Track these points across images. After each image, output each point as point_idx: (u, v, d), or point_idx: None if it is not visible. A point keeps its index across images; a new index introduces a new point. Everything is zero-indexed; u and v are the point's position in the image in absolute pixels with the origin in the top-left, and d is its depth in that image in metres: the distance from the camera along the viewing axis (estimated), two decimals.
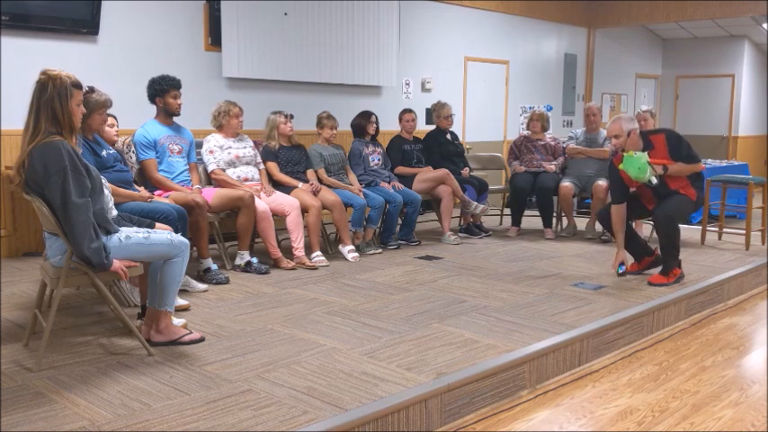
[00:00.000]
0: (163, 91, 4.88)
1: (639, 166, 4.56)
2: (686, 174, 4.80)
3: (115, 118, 4.75)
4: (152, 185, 4.84)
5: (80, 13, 5.74)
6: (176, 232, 3.63)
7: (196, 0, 6.56)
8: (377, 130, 6.33)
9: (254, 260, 5.11)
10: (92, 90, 3.93)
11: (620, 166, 4.70)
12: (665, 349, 4.04)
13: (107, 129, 4.54)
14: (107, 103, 4.01)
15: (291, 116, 5.77)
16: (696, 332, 4.38)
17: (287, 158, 5.69)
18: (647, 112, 6.54)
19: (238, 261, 5.13)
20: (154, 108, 4.98)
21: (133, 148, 5.08)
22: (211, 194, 5.00)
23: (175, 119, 5.05)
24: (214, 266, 4.83)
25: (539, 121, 7.02)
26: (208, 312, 4.05)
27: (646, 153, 4.63)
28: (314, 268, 5.19)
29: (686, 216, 4.86)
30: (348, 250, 5.57)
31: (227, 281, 4.75)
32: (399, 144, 6.58)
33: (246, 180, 5.37)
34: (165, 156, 4.92)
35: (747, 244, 6.22)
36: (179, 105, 4.93)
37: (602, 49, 11.29)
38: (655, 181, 4.63)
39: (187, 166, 5.04)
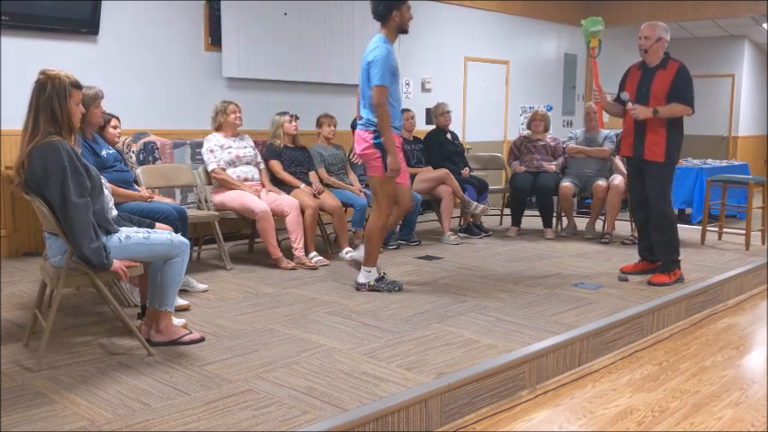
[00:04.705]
0: (401, 3, 4.37)
1: (591, 23, 4.91)
2: (675, 114, 4.69)
3: (118, 119, 4.74)
4: None
5: (80, 13, 5.74)
6: (176, 232, 3.63)
7: (196, 0, 6.57)
8: None
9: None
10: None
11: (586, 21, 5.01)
12: (665, 349, 4.04)
13: (111, 130, 4.55)
14: (99, 95, 4.00)
15: (297, 117, 5.79)
16: (696, 332, 4.38)
17: (290, 158, 5.70)
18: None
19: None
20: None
21: (133, 149, 5.08)
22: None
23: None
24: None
25: (542, 122, 7.02)
26: (208, 312, 4.05)
27: (600, 26, 4.94)
28: (314, 268, 5.19)
29: (669, 182, 4.81)
30: (346, 251, 5.58)
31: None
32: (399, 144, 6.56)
33: (246, 180, 5.38)
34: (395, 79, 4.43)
35: (747, 244, 6.22)
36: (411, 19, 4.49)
37: (603, 49, 11.26)
38: (596, 33, 4.93)
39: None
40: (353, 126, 4.76)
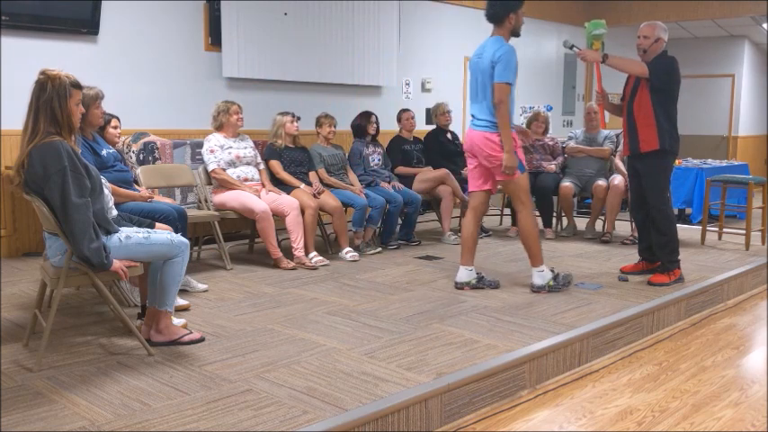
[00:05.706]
0: (518, 5, 4.39)
1: (594, 26, 4.92)
2: (626, 67, 4.73)
3: (118, 119, 4.75)
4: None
5: (80, 12, 5.74)
6: (176, 232, 3.63)
7: (196, 0, 6.57)
8: (377, 130, 6.33)
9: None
10: None
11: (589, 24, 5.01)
12: (665, 349, 4.04)
13: (111, 130, 4.55)
14: (99, 95, 4.00)
15: (298, 118, 5.80)
16: (696, 332, 4.38)
17: (290, 158, 5.70)
18: None
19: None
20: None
21: (133, 148, 5.07)
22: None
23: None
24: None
25: (543, 123, 7.02)
26: (208, 312, 4.05)
27: (603, 29, 4.93)
28: (314, 268, 5.19)
29: (667, 180, 4.82)
30: (346, 251, 5.58)
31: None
32: (399, 144, 6.58)
33: (246, 180, 5.38)
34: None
35: (747, 244, 6.22)
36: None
37: (604, 49, 11.28)
38: (599, 36, 4.93)
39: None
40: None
